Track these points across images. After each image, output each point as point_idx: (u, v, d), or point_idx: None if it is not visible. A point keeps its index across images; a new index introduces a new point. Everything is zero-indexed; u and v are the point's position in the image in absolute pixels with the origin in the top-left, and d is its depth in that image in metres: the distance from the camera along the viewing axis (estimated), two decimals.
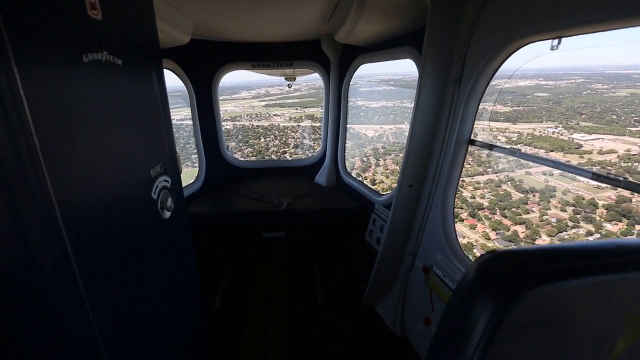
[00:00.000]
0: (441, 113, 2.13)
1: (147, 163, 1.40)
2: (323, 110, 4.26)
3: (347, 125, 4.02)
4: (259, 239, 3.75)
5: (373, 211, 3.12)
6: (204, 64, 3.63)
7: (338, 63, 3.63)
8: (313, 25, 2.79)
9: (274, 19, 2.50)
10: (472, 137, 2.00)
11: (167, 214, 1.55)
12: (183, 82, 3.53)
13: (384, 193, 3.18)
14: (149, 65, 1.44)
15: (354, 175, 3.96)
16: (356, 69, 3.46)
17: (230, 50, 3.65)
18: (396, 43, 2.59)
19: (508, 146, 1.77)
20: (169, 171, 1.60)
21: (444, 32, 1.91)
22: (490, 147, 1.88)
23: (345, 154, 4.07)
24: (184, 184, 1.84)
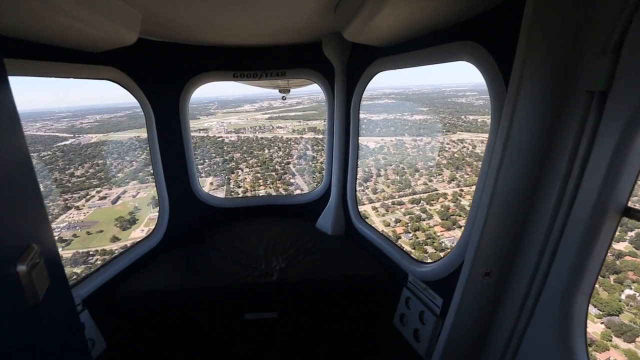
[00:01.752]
0: (553, 154, 1.33)
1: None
2: (326, 132, 3.40)
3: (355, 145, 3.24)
4: (239, 322, 2.87)
5: (406, 285, 2.26)
6: (166, 74, 2.94)
7: (345, 71, 2.89)
8: (312, 19, 2.09)
9: (260, 12, 1.86)
10: (629, 204, 1.15)
11: (38, 300, 1.06)
12: (135, 96, 2.78)
13: (428, 262, 2.13)
14: None
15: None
16: (371, 78, 2.67)
17: (203, 55, 2.96)
18: (440, 39, 1.79)
19: None
20: (40, 235, 1.11)
21: (563, 8, 1.16)
22: None
23: (359, 191, 3.21)
24: (135, 235, 2.15)
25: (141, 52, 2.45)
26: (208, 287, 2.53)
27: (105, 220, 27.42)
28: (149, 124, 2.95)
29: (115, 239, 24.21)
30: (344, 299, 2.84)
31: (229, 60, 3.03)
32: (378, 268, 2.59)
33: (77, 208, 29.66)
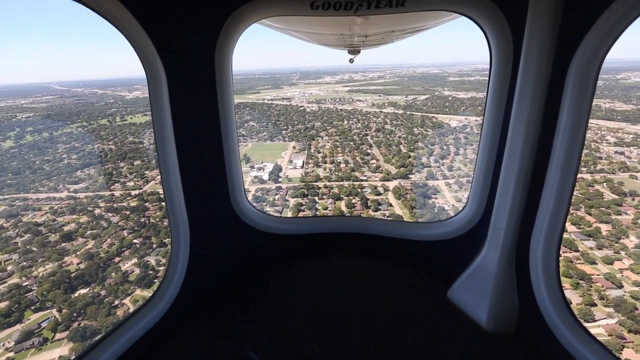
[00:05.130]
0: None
1: None
2: (485, 119, 2.27)
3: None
4: None
5: None
6: (192, 2, 1.89)
7: (560, 13, 1.60)
8: None
9: None
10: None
11: None
12: (132, 44, 1.81)
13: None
14: None
15: None
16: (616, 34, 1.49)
17: None
18: None
19: None
20: None
21: None
22: None
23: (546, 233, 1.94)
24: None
25: None
26: None
27: None
28: (155, 95, 1.95)
29: None
30: None
31: None
32: None
33: None
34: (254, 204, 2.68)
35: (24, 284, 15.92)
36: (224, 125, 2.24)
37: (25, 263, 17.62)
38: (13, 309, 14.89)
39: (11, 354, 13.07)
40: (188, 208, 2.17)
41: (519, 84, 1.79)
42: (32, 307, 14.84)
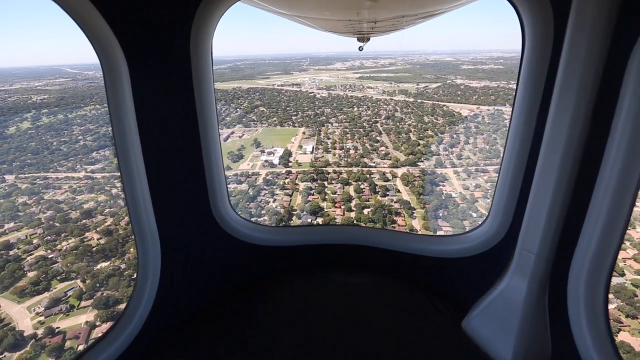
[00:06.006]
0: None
1: None
2: (514, 112, 1.99)
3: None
4: None
5: None
6: None
7: None
8: None
9: None
10: None
11: None
12: (86, 33, 1.56)
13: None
14: None
15: None
16: None
17: None
18: None
19: None
20: None
21: None
22: None
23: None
24: None
25: None
26: None
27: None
28: (114, 89, 1.68)
29: (228, 168, 29.86)
30: None
31: None
32: None
33: None
34: (239, 213, 2.34)
35: (49, 256, 16.96)
36: (203, 122, 1.96)
37: (49, 237, 18.64)
38: (41, 278, 15.96)
39: (42, 318, 14.16)
40: (158, 218, 1.89)
41: (561, 76, 1.46)
42: (58, 277, 15.87)
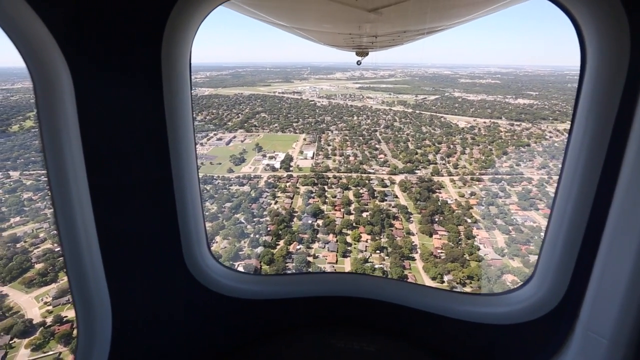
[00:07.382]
0: None
1: None
2: (566, 158, 1.61)
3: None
4: None
5: None
6: None
7: None
8: None
9: None
10: None
11: None
12: (10, 36, 1.28)
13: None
14: None
15: None
16: None
17: None
18: None
19: None
20: None
21: None
22: None
23: None
24: None
25: None
26: None
27: (222, 155, 34.46)
28: (48, 105, 1.36)
29: (230, 171, 30.64)
30: None
31: None
32: None
33: (202, 144, 37.48)
34: (222, 261, 1.94)
35: (56, 249, 17.37)
36: (176, 146, 1.52)
37: (55, 232, 19.12)
38: (48, 270, 16.34)
39: (50, 308, 14.52)
40: (108, 269, 1.50)
41: None
42: (65, 269, 16.31)
